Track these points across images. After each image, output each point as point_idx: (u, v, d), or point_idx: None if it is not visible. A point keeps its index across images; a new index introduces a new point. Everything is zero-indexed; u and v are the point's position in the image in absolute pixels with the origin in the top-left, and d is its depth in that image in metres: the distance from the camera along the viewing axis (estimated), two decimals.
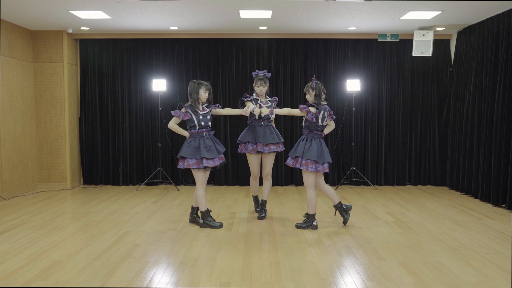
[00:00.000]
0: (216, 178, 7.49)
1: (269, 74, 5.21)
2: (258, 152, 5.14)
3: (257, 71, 5.23)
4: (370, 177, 7.38)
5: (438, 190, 7.10)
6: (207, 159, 4.63)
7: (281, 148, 5.15)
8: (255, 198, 5.52)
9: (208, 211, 4.78)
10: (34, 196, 6.55)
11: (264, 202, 5.29)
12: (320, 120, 4.61)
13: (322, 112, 4.60)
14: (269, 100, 5.23)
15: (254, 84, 5.15)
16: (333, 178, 7.46)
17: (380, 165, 7.45)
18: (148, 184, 7.38)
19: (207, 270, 3.51)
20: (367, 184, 7.33)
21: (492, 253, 3.90)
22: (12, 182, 6.52)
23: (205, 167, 4.67)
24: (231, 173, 7.48)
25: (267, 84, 5.16)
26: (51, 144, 7.16)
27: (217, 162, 4.73)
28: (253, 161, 5.22)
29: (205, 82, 4.77)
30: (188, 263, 3.68)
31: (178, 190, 7.04)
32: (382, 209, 5.68)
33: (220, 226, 4.77)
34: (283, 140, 5.26)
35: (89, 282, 3.27)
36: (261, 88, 5.11)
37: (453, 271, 3.49)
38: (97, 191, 7.04)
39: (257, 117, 5.05)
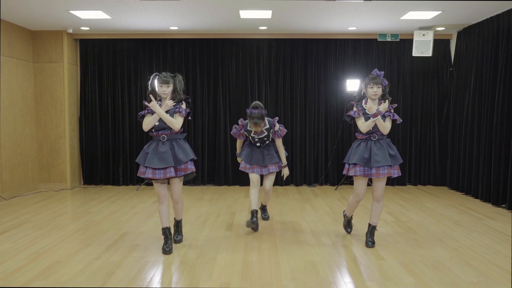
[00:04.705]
0: (216, 178, 7.49)
1: (264, 111, 4.55)
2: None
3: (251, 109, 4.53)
4: None
5: (438, 190, 7.10)
6: (153, 169, 3.77)
7: (278, 168, 4.74)
8: (254, 212, 4.63)
9: (167, 228, 3.96)
10: (34, 196, 6.55)
11: (265, 207, 5.18)
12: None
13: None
14: (266, 129, 4.59)
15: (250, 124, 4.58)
16: (333, 178, 7.46)
17: None
18: (148, 184, 7.38)
19: (207, 270, 3.51)
20: (367, 184, 7.30)
21: (492, 253, 3.90)
22: (12, 182, 6.52)
23: (149, 179, 3.81)
24: (231, 173, 7.47)
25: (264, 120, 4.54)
26: (51, 144, 7.16)
27: (170, 174, 3.78)
28: (252, 175, 4.72)
29: (165, 74, 3.88)
30: (188, 263, 3.68)
31: None
32: (382, 209, 5.66)
33: (167, 253, 3.87)
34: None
35: (89, 282, 3.27)
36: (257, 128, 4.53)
37: (453, 271, 3.49)
38: (97, 191, 7.04)
39: (253, 142, 4.70)
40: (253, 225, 4.54)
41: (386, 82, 4.01)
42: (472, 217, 5.25)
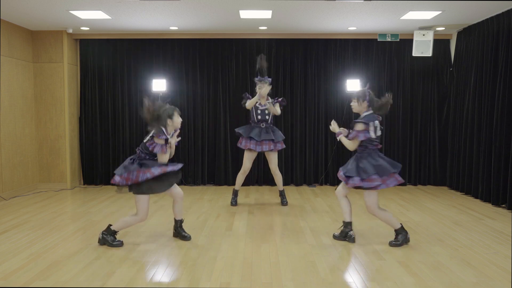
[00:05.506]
0: (216, 178, 7.49)
1: (269, 79, 5.64)
2: (251, 150, 5.60)
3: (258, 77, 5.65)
4: None
5: (438, 190, 7.10)
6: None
7: (279, 147, 5.61)
8: (235, 192, 5.93)
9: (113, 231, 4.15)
10: (34, 196, 6.54)
11: (282, 192, 5.91)
12: (372, 133, 3.98)
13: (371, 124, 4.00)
14: (268, 102, 5.65)
15: (256, 88, 5.63)
16: (333, 178, 7.46)
17: None
18: None
19: (207, 270, 3.51)
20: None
21: (492, 253, 3.90)
22: (12, 182, 6.52)
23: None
24: (231, 173, 7.46)
25: (269, 85, 5.57)
26: (51, 144, 7.16)
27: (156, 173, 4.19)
28: (246, 155, 5.67)
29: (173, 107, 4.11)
30: (188, 263, 3.68)
31: None
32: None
33: (119, 245, 4.11)
34: (283, 137, 5.75)
35: (89, 282, 3.27)
36: (260, 85, 5.53)
37: (453, 271, 3.49)
38: (97, 191, 7.04)
39: (255, 120, 5.59)
40: (234, 203, 5.84)
41: (365, 93, 4.04)
42: (472, 217, 5.25)
